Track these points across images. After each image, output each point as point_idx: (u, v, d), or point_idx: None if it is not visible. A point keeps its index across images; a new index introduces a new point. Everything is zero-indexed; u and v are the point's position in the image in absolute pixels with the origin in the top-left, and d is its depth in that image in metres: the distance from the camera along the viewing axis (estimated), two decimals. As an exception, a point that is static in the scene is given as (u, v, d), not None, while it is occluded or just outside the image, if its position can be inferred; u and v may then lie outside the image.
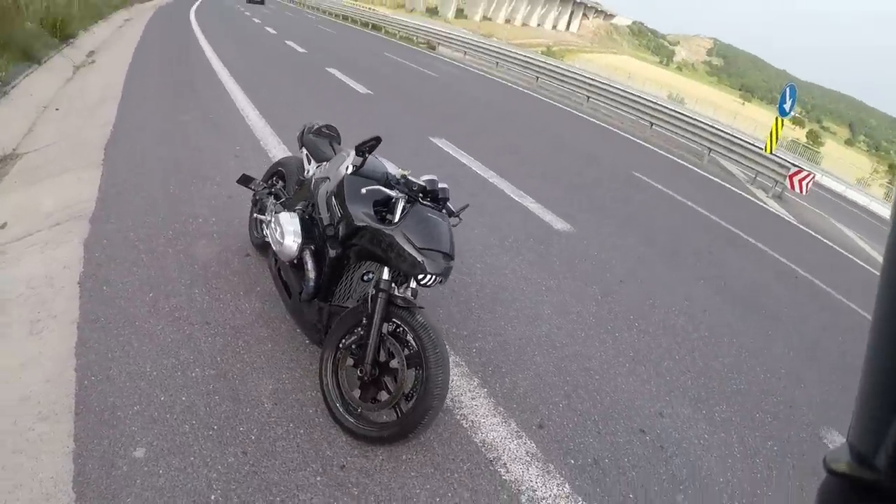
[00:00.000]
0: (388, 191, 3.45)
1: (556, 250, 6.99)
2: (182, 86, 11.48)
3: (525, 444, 3.69)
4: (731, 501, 3.83)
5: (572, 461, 3.67)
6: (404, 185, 3.54)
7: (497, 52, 29.47)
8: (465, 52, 31.29)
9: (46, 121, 9.58)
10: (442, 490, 3.21)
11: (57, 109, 10.20)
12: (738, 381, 5.36)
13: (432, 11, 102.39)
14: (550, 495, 3.35)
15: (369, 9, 50.54)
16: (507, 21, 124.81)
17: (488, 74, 26.50)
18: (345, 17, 43.46)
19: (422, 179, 3.60)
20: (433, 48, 32.82)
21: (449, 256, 3.38)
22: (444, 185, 3.63)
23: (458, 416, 3.77)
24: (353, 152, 3.99)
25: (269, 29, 26.11)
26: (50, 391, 3.36)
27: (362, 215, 3.51)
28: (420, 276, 3.27)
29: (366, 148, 3.60)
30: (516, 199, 8.53)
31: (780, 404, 5.23)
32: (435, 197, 3.56)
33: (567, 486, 3.45)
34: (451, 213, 3.66)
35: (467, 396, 3.97)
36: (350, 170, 3.66)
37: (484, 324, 4.95)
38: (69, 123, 9.13)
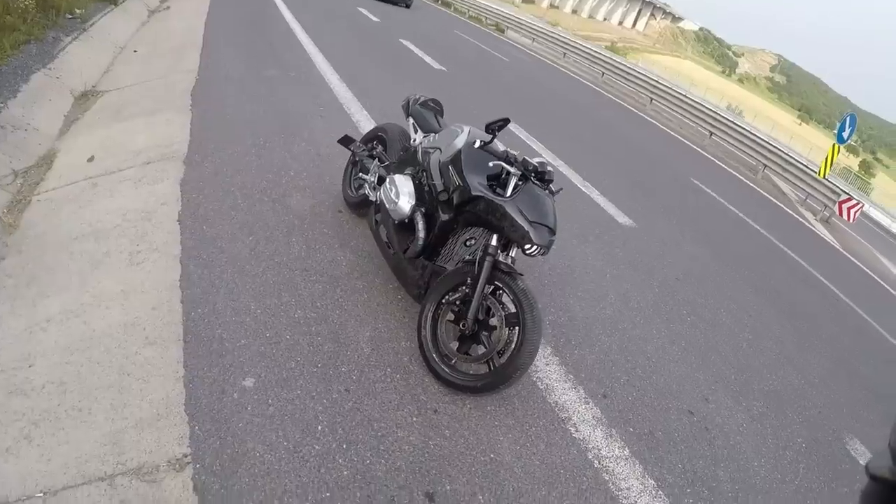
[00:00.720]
0: (508, 167, 3.79)
1: (619, 242, 7.32)
2: (260, 41, 11.69)
3: (592, 409, 4.09)
4: (762, 482, 4.25)
5: (631, 429, 4.08)
6: (520, 164, 3.83)
7: (565, 43, 29.08)
8: (534, 39, 30.95)
9: (125, 61, 9.78)
10: (521, 440, 3.61)
11: (135, 51, 10.37)
12: (776, 382, 5.73)
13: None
14: (612, 456, 3.76)
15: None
16: (574, 11, 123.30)
17: (555, 64, 26.36)
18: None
19: (535, 161, 3.92)
20: (502, 31, 32.50)
21: (552, 231, 3.74)
22: (551, 169, 3.95)
23: (535, 379, 4.16)
24: (466, 128, 4.34)
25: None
26: (156, 319, 3.63)
27: (478, 185, 3.84)
28: (527, 246, 3.64)
29: (496, 127, 3.86)
30: (583, 189, 8.84)
31: (811, 408, 5.59)
32: (542, 177, 3.88)
33: (626, 449, 3.86)
34: (552, 193, 3.99)
35: (542, 362, 4.36)
36: (478, 144, 3.95)
37: (555, 300, 5.33)
38: (151, 66, 9.31)
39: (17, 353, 3.37)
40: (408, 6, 26.20)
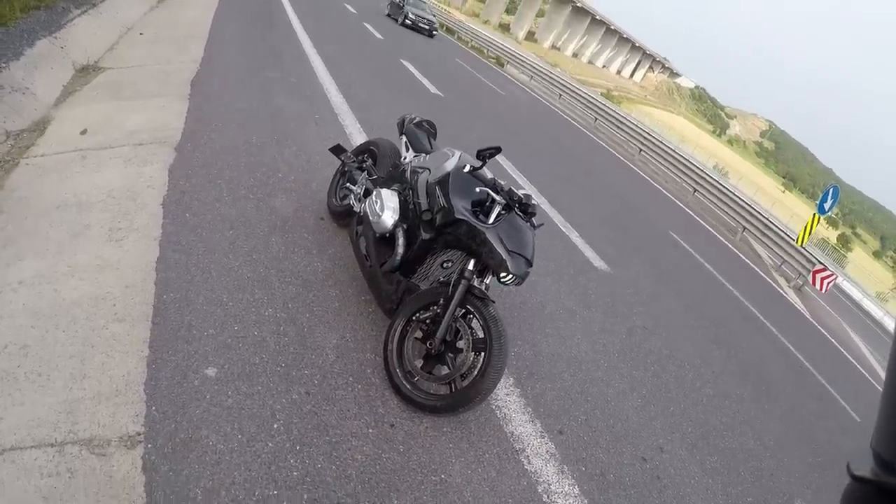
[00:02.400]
0: (494, 195, 3.86)
1: (592, 285, 7.38)
2: (265, 43, 11.81)
3: (546, 443, 4.12)
4: (708, 540, 4.27)
5: (583, 468, 4.11)
6: (506, 193, 3.91)
7: (562, 84, 29.39)
8: (532, 77, 31.26)
9: (130, 43, 9.93)
10: (474, 465, 3.63)
11: (141, 34, 10.54)
12: (731, 440, 5.77)
13: (505, 28, 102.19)
14: (561, 492, 3.79)
15: (445, 9, 50.65)
16: (575, 55, 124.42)
17: (550, 104, 26.61)
18: (421, 13, 43.52)
19: (520, 193, 3.99)
20: (502, 65, 32.81)
21: (529, 263, 3.81)
22: (535, 202, 4.03)
23: (494, 407, 4.19)
24: (458, 152, 4.43)
25: (348, 6, 26.38)
26: (128, 297, 3.68)
27: (462, 209, 3.91)
28: (503, 275, 3.70)
29: (486, 154, 3.96)
30: (563, 229, 8.91)
31: (763, 469, 5.64)
32: (526, 209, 3.96)
33: (577, 487, 3.89)
34: (533, 227, 4.06)
35: (503, 392, 4.39)
36: (468, 169, 4.04)
37: (523, 333, 5.37)
38: (155, 51, 9.47)
39: (-18, 312, 3.36)
40: (431, 35, 26.48)
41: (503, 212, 3.87)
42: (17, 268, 3.79)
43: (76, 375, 3.05)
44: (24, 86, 6.20)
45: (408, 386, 3.79)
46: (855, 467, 0.91)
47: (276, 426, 3.21)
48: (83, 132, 5.84)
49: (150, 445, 2.79)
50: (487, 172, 4.17)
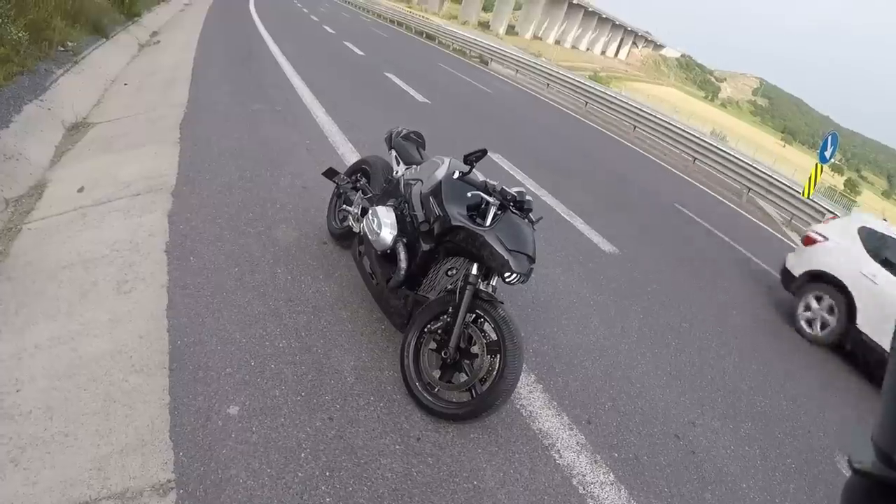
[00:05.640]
0: (487, 197, 3.86)
1: (602, 269, 7.39)
2: (248, 75, 11.87)
3: (576, 435, 4.12)
4: (752, 505, 4.26)
5: (616, 455, 4.11)
6: (499, 193, 3.90)
7: (548, 74, 29.28)
8: (517, 70, 31.16)
9: (116, 94, 10.01)
10: (505, 467, 3.64)
11: (125, 84, 10.62)
12: (763, 404, 5.76)
13: (484, 25, 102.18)
14: (597, 481, 3.79)
15: (422, 17, 50.62)
16: (557, 42, 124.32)
17: (539, 95, 26.57)
18: (399, 23, 43.47)
19: (513, 191, 3.99)
20: (486, 63, 32.76)
21: (532, 259, 3.81)
22: (530, 198, 4.02)
23: (518, 406, 4.20)
24: (447, 160, 4.44)
25: (326, 28, 26.45)
26: (143, 347, 3.70)
27: (458, 216, 3.92)
28: (507, 275, 3.70)
29: (473, 158, 3.98)
30: (567, 218, 8.92)
31: (800, 428, 5.62)
32: (521, 206, 3.95)
33: (612, 475, 3.89)
34: (531, 222, 4.07)
35: (525, 389, 4.40)
36: (457, 175, 4.02)
37: (539, 328, 5.38)
38: (141, 99, 9.51)
39: (5, 379, 3.41)
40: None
41: (499, 212, 3.86)
42: (31, 332, 3.82)
43: (102, 431, 3.07)
44: (16, 152, 6.24)
45: (428, 398, 3.80)
46: (856, 460, 0.92)
47: (303, 455, 3.21)
48: (80, 190, 5.88)
49: (181, 491, 2.80)
50: (479, 175, 4.17)
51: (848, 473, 1.00)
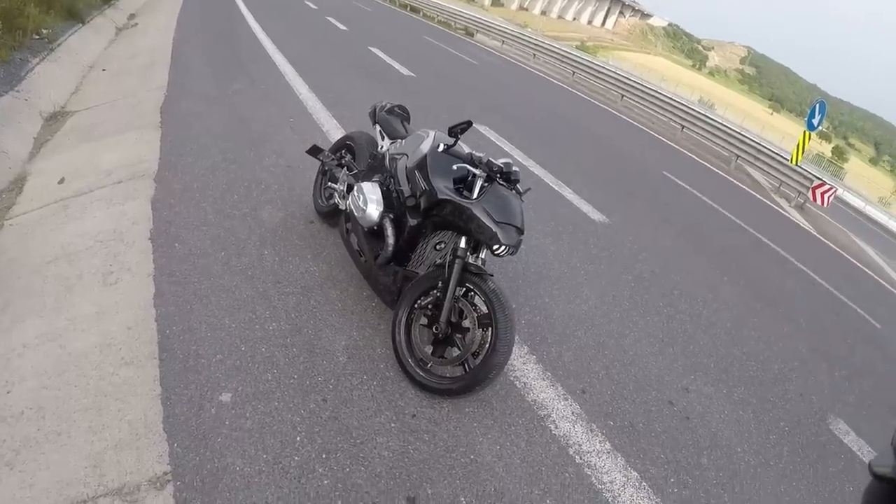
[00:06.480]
0: (473, 169, 3.83)
1: (593, 239, 7.37)
2: (229, 55, 11.68)
3: (571, 405, 4.13)
4: (747, 467, 4.30)
5: (612, 423, 4.12)
6: (485, 165, 3.87)
7: (534, 44, 29.08)
8: (503, 42, 30.90)
9: (94, 81, 9.83)
10: (501, 440, 3.64)
11: (104, 70, 10.40)
12: (756, 368, 5.80)
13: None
14: (593, 450, 3.80)
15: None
16: (543, 13, 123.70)
17: (525, 65, 26.39)
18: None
19: (499, 162, 3.96)
20: (471, 35, 32.40)
21: (520, 231, 3.77)
22: (517, 169, 3.98)
23: (512, 378, 4.19)
24: (432, 133, 4.39)
25: (308, 3, 26.18)
26: (132, 338, 3.64)
27: (444, 189, 3.88)
28: (495, 247, 3.67)
29: (458, 130, 3.91)
30: (556, 188, 8.88)
31: (792, 391, 5.68)
32: (508, 178, 3.92)
33: (608, 443, 3.91)
34: (518, 193, 4.03)
35: (519, 361, 4.40)
36: (442, 148, 3.99)
37: (530, 299, 5.36)
38: (120, 84, 9.34)
39: (-6, 381, 3.35)
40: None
41: (486, 184, 3.83)
42: (18, 331, 3.76)
43: (95, 427, 3.03)
44: (-6, 147, 6.16)
45: (421, 373, 3.78)
46: (876, 465, 0.89)
47: (298, 439, 3.20)
48: (61, 181, 5.78)
49: (178, 483, 2.78)
50: (464, 147, 4.12)
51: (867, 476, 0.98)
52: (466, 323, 3.80)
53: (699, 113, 20.80)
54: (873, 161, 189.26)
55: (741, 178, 17.94)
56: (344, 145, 5.61)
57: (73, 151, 6.66)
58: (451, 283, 3.73)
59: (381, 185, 4.49)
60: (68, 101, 8.60)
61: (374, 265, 4.32)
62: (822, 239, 14.74)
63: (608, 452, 3.83)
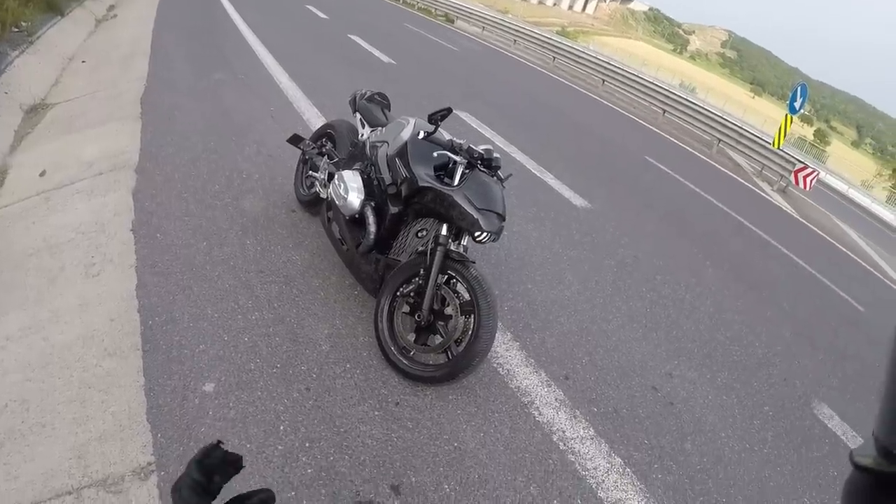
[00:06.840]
0: (454, 156, 3.83)
1: (575, 224, 7.40)
2: (209, 45, 11.58)
3: (554, 391, 4.16)
4: (731, 453, 4.33)
5: (595, 409, 4.15)
6: (466, 152, 3.87)
7: (515, 30, 29.08)
8: (484, 28, 30.77)
9: (74, 73, 9.68)
10: (485, 427, 3.66)
11: (83, 62, 10.26)
12: (740, 353, 5.85)
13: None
14: (577, 436, 3.83)
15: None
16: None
17: (506, 51, 26.33)
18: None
19: (480, 148, 3.97)
20: (452, 21, 32.36)
21: (502, 217, 3.79)
22: (498, 155, 4.00)
23: (495, 365, 4.21)
24: (412, 120, 4.39)
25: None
26: (114, 330, 3.62)
27: (425, 176, 3.90)
28: (477, 234, 3.69)
29: (437, 117, 3.89)
30: (538, 174, 8.90)
31: (776, 376, 5.73)
32: (489, 164, 3.92)
33: (591, 429, 3.93)
34: (500, 180, 4.04)
35: (502, 348, 4.42)
36: (422, 135, 3.98)
37: (513, 286, 5.38)
38: (100, 76, 9.23)
39: (-24, 374, 3.34)
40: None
41: (466, 171, 3.84)
42: (1, 324, 3.74)
43: (79, 419, 3.02)
44: (-27, 140, 6.10)
45: (405, 361, 3.79)
46: (857, 456, 0.89)
47: (282, 428, 3.20)
48: (42, 174, 5.72)
49: (162, 473, 2.77)
50: (445, 134, 4.12)
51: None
52: (449, 310, 3.81)
53: (680, 97, 20.88)
54: (855, 144, 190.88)
55: (723, 161, 18.04)
56: (325, 134, 5.59)
57: (54, 143, 6.59)
58: (434, 270, 3.74)
59: (361, 173, 4.48)
60: (48, 93, 8.51)
61: (356, 253, 4.32)
62: (805, 222, 14.87)
63: (592, 438, 3.85)
